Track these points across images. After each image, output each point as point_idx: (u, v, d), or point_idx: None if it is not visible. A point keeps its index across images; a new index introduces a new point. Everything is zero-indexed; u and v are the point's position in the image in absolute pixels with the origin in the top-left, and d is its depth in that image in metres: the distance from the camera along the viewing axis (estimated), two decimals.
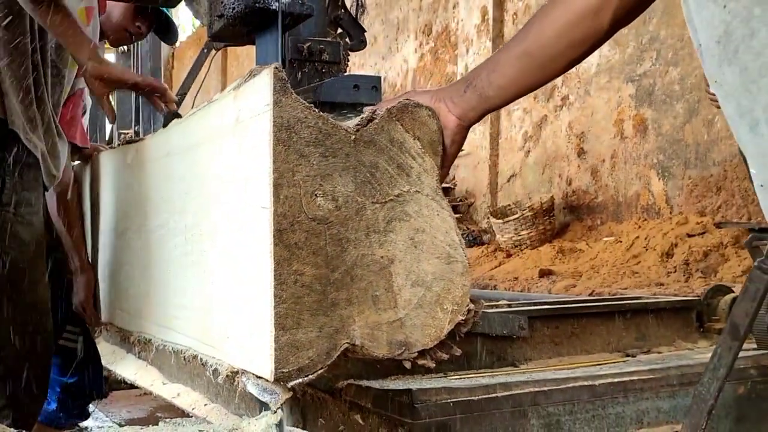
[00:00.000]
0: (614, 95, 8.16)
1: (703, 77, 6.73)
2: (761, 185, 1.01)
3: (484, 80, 1.70)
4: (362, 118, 1.68)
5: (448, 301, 1.73)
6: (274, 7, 1.72)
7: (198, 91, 4.44)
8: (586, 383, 2.32)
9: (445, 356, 1.77)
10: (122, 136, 4.04)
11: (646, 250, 7.64)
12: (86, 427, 5.43)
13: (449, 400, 2.16)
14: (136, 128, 3.71)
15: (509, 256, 8.78)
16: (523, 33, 1.66)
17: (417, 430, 2.09)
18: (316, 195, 1.61)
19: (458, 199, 9.72)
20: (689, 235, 7.47)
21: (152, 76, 3.71)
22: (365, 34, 2.77)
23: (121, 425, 5.45)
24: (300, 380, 1.58)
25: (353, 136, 1.65)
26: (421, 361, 1.73)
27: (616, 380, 2.35)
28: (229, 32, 1.84)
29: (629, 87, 8.03)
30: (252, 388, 1.64)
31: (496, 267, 8.75)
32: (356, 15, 2.82)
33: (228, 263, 1.79)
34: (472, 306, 1.76)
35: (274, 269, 1.56)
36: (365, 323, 1.67)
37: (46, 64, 2.47)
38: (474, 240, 9.30)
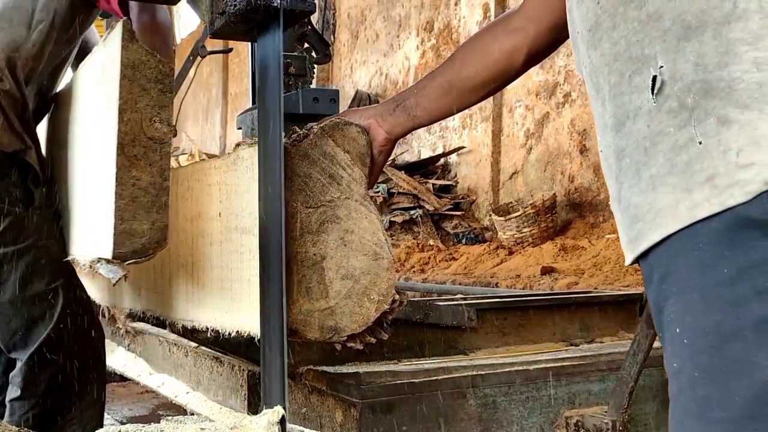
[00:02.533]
0: None
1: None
2: (601, 150, 1.26)
3: (412, 102, 2.04)
4: (298, 134, 2.03)
5: (375, 293, 2.07)
6: (275, 4, 1.76)
7: (184, 96, 4.76)
8: (521, 368, 2.64)
9: (373, 340, 2.10)
10: None
11: None
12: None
13: (393, 382, 2.48)
14: None
15: (511, 253, 8.93)
16: (448, 65, 2.00)
17: (364, 408, 2.41)
18: (153, 120, 2.12)
19: (460, 197, 9.94)
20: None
21: None
22: (329, 48, 3.11)
23: (122, 423, 5.72)
24: (135, 260, 2.11)
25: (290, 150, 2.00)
26: (350, 344, 2.07)
27: (550, 365, 2.67)
28: (230, 29, 1.90)
29: None
30: (102, 270, 2.16)
31: (498, 265, 8.91)
32: (322, 31, 3.16)
33: (93, 173, 2.28)
34: (397, 297, 2.09)
35: (116, 174, 2.07)
36: (299, 311, 2.01)
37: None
38: (475, 237, 9.53)
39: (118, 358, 4.24)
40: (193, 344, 3.33)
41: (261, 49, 1.88)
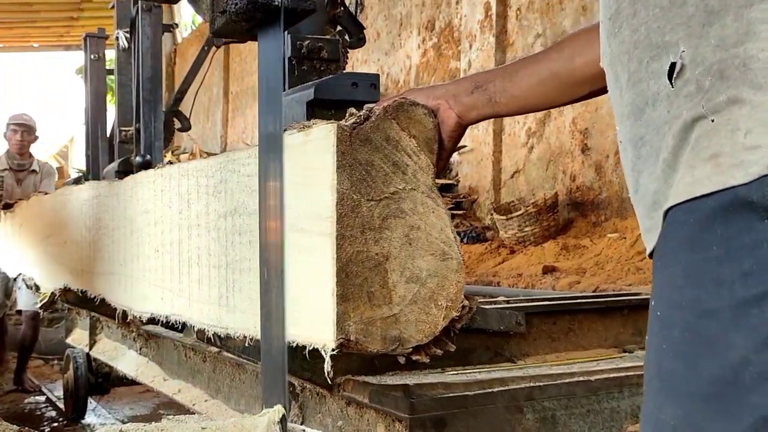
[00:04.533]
0: None
1: None
2: (620, 141, 1.19)
3: (497, 86, 1.74)
4: (359, 116, 1.72)
5: (443, 297, 1.77)
6: (276, 3, 1.72)
7: (198, 88, 4.48)
8: (582, 378, 2.35)
9: (439, 352, 1.81)
10: (123, 133, 4.09)
11: None
12: (89, 424, 5.46)
13: (445, 395, 2.19)
14: (137, 126, 3.74)
15: (513, 252, 8.75)
16: (554, 53, 1.70)
17: (413, 424, 2.12)
18: None
19: (461, 196, 9.72)
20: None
21: (152, 73, 3.74)
22: (364, 31, 2.81)
23: (123, 422, 5.48)
24: None
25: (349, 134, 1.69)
26: (415, 357, 1.77)
27: (611, 375, 2.38)
28: (231, 28, 1.82)
29: None
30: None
31: (499, 263, 8.73)
32: (355, 12, 2.86)
33: None
34: (466, 302, 1.80)
35: None
36: (359, 318, 1.71)
37: None
38: (477, 236, 9.30)
39: (129, 362, 3.94)
40: (214, 349, 3.03)
41: (262, 48, 1.80)
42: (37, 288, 4.24)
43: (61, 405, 6.35)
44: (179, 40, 15.94)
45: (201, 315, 2.29)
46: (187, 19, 15.84)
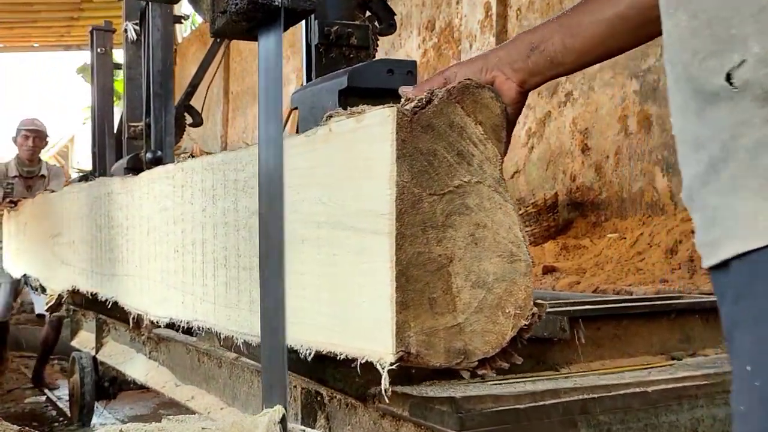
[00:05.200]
0: (618, 91, 7.96)
1: None
2: (675, 133, 1.04)
3: (557, 44, 1.49)
4: (420, 99, 1.48)
5: (511, 304, 1.53)
6: (276, 3, 1.65)
7: (211, 81, 4.26)
8: (638, 389, 2.11)
9: (506, 365, 1.57)
10: (132, 129, 3.83)
11: (651, 246, 7.45)
12: (89, 425, 5.26)
13: (496, 409, 1.95)
14: (147, 120, 3.49)
15: None
16: None
17: None
18: None
19: None
20: (693, 232, 7.28)
21: (163, 66, 3.49)
22: (395, 17, 2.57)
23: (123, 422, 5.28)
24: None
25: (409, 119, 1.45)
26: (481, 371, 1.53)
27: (669, 386, 2.14)
28: (232, 28, 1.75)
29: (633, 83, 7.83)
30: None
31: None
32: None
33: None
34: (535, 309, 1.56)
35: None
36: (421, 328, 1.46)
37: None
38: None
39: (138, 366, 3.68)
40: (232, 355, 2.78)
41: (262, 47, 1.73)
42: (43, 289, 3.98)
43: (61, 405, 6.23)
44: (179, 39, 15.64)
45: (228, 321, 2.04)
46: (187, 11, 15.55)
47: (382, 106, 1.50)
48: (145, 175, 2.58)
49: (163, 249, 2.39)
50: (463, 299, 1.49)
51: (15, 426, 2.80)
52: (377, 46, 2.59)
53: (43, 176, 6.84)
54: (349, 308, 1.57)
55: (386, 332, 1.46)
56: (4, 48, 13.87)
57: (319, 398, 2.50)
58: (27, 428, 2.81)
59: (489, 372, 1.53)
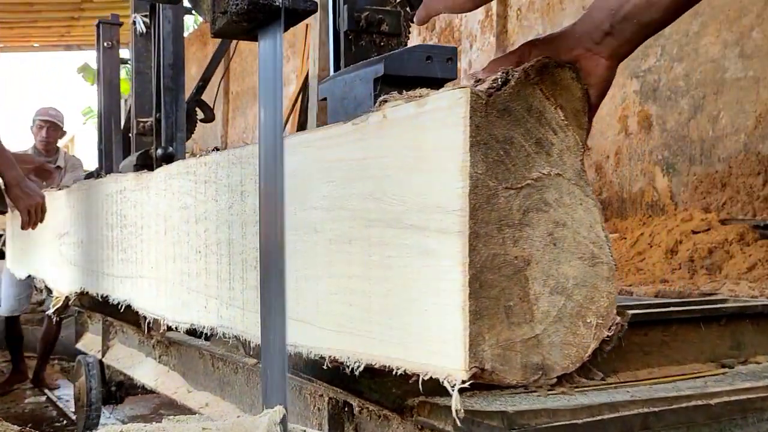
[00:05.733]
0: (618, 91, 7.76)
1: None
2: None
3: (640, 2, 1.28)
4: (494, 80, 1.26)
5: (592, 313, 1.32)
6: (277, 4, 1.60)
7: (223, 76, 4.05)
8: (700, 402, 1.90)
9: (585, 382, 1.36)
10: (141, 124, 3.61)
11: (651, 246, 7.27)
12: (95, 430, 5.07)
13: (552, 424, 1.73)
14: (157, 116, 3.26)
15: None
16: None
17: None
18: None
19: None
20: (694, 232, 7.10)
21: (174, 59, 3.26)
22: None
23: (124, 422, 5.09)
24: None
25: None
26: (559, 389, 1.32)
27: (731, 398, 1.93)
28: (232, 28, 1.70)
29: (634, 83, 7.64)
30: None
31: None
32: None
33: None
34: (618, 318, 1.35)
35: None
36: (496, 341, 1.25)
37: None
38: None
39: (147, 370, 3.45)
40: (251, 361, 2.56)
41: (262, 48, 1.69)
42: (49, 291, 3.74)
43: (61, 405, 6.11)
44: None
45: (258, 327, 1.83)
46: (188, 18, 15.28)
47: (450, 87, 1.28)
48: (162, 170, 2.36)
49: (182, 250, 2.17)
50: (541, 307, 1.28)
51: (15, 426, 2.65)
52: (409, 33, 2.38)
53: (59, 167, 6.51)
54: (408, 318, 1.35)
55: (457, 346, 1.24)
56: (4, 48, 13.59)
57: (347, 409, 2.29)
58: (27, 428, 2.64)
59: (569, 390, 1.32)
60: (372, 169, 1.44)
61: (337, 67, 2.38)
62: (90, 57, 16.93)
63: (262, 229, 1.65)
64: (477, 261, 1.23)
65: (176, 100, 3.28)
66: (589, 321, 1.32)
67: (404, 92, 1.43)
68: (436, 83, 2.07)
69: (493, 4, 8.97)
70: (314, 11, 1.70)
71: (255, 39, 1.72)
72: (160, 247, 2.33)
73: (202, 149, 11.46)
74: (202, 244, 2.05)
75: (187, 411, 3.10)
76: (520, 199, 1.27)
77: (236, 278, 1.89)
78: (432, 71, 2.05)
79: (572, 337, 1.30)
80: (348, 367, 1.50)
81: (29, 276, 4.23)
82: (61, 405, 6.14)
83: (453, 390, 1.25)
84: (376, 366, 1.44)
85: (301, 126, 9.95)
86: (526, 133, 1.27)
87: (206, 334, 2.22)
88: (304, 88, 10.31)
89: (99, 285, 2.89)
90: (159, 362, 3.47)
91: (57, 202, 3.54)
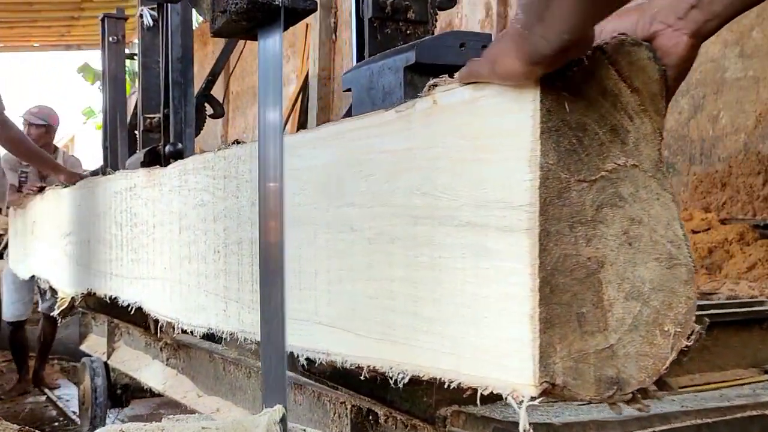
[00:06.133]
0: None
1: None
2: None
3: None
4: None
5: (670, 321, 1.16)
6: (277, 3, 1.57)
7: (232, 70, 3.90)
8: (755, 413, 1.75)
9: (660, 396, 1.20)
10: (148, 121, 3.44)
11: None
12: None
13: None
14: (165, 111, 3.09)
15: None
16: None
17: None
18: None
19: None
20: (694, 232, 6.98)
21: (183, 52, 3.09)
22: None
23: (124, 421, 4.94)
24: None
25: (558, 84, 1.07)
26: (634, 406, 1.16)
27: None
28: (232, 28, 1.67)
29: None
30: None
31: None
32: None
33: None
34: (696, 326, 1.19)
35: None
36: (568, 353, 1.09)
37: None
38: None
39: (154, 373, 3.28)
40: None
41: (262, 47, 1.67)
42: (53, 291, 3.56)
43: (61, 405, 5.98)
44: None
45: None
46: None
47: None
48: (177, 166, 2.19)
49: (199, 249, 2.00)
50: (615, 314, 1.12)
51: (15, 426, 2.56)
52: (436, 20, 2.22)
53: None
54: (462, 326, 1.19)
55: (525, 358, 1.08)
56: (4, 48, 13.38)
57: (371, 417, 2.13)
58: (27, 428, 2.57)
59: (643, 407, 1.16)
60: (419, 160, 1.28)
61: (360, 56, 2.23)
62: (90, 57, 16.73)
63: (261, 229, 1.61)
64: (548, 263, 1.07)
65: (185, 95, 3.12)
66: (666, 329, 1.16)
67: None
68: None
69: (494, 3, 8.82)
70: (314, 10, 1.66)
71: (255, 38, 1.70)
72: (174, 246, 2.16)
73: (203, 149, 11.28)
74: (221, 244, 1.88)
75: (186, 410, 3.00)
76: (593, 193, 1.11)
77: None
78: (466, 59, 1.88)
79: (648, 347, 1.14)
80: (391, 378, 1.34)
81: (32, 276, 4.05)
82: (61, 405, 6.02)
83: (520, 408, 1.09)
84: (424, 378, 1.28)
85: (301, 126, 9.78)
86: (601, 119, 1.11)
87: (217, 336, 2.07)
88: (304, 88, 10.18)
89: (107, 286, 2.72)
90: (167, 365, 3.30)
91: (61, 200, 3.36)
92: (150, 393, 3.62)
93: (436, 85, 1.27)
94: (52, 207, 3.46)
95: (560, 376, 1.08)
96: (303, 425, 2.40)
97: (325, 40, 9.82)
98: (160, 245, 2.25)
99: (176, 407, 3.29)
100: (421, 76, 1.87)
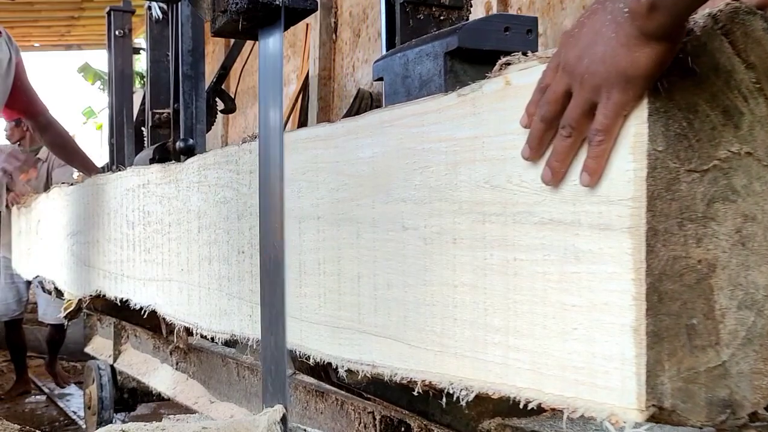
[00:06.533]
0: None
1: None
2: None
3: None
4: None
5: None
6: (277, 3, 1.53)
7: (243, 66, 3.73)
8: None
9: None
10: (157, 116, 3.25)
11: None
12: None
13: None
14: (176, 106, 2.90)
15: None
16: None
17: None
18: None
19: None
20: None
21: (194, 44, 2.90)
22: None
23: (124, 421, 4.77)
24: None
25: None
26: None
27: None
28: (232, 28, 1.61)
29: None
30: None
31: None
32: None
33: None
34: None
35: None
36: (677, 371, 0.91)
37: None
38: None
39: (163, 378, 3.09)
40: (310, 379, 2.23)
41: (262, 47, 1.63)
42: (58, 293, 3.36)
43: (62, 405, 5.82)
44: None
45: (320, 341, 1.48)
46: None
47: None
48: (195, 160, 2.00)
49: (221, 250, 1.81)
50: (727, 326, 0.95)
51: (15, 426, 2.55)
52: (471, 6, 2.04)
53: (39, 159, 5.89)
54: (546, 339, 1.01)
55: (627, 377, 0.90)
56: None
57: (403, 429, 1.96)
58: (27, 428, 2.56)
59: None
60: (488, 149, 1.10)
61: (390, 44, 2.04)
62: (90, 57, 16.51)
63: (262, 229, 1.56)
64: (655, 266, 0.89)
65: (196, 89, 2.93)
66: None
67: (532, 53, 1.09)
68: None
69: (494, 3, 8.65)
70: (314, 10, 1.62)
71: (255, 38, 1.66)
72: (192, 246, 1.98)
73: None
74: (247, 244, 1.70)
75: (186, 410, 2.86)
76: (704, 185, 0.93)
77: (291, 283, 1.55)
78: (511, 44, 1.71)
79: (763, 364, 0.97)
80: (453, 395, 1.16)
81: (36, 277, 3.84)
82: (61, 405, 5.85)
83: None
84: (494, 395, 1.10)
85: (302, 125, 9.59)
86: (712, 99, 0.94)
87: (230, 340, 1.90)
88: (305, 88, 9.99)
89: (117, 288, 2.53)
90: (176, 369, 3.11)
91: (67, 198, 3.16)
92: (158, 398, 3.43)
93: (508, 64, 1.08)
94: (59, 205, 3.26)
95: (669, 399, 0.90)
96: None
97: (326, 40, 9.62)
98: (177, 245, 2.06)
99: (177, 407, 3.14)
100: (462, 62, 1.70)
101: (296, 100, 9.89)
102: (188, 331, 2.04)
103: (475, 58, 1.69)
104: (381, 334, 1.31)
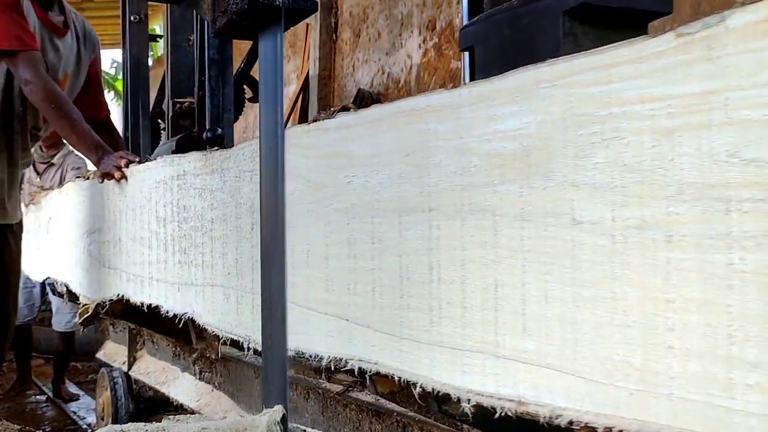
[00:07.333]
0: None
1: None
2: None
3: None
4: None
5: None
6: (277, 3, 1.42)
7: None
8: None
9: None
10: (177, 105, 2.87)
11: None
12: (90, 424, 4.45)
13: None
14: (200, 93, 2.54)
15: None
16: None
17: None
18: None
19: None
20: None
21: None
22: None
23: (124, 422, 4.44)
24: None
25: None
26: None
27: None
28: (232, 28, 1.53)
29: None
30: None
31: None
32: None
33: None
34: None
35: None
36: None
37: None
38: None
39: (185, 388, 2.72)
40: (335, 388, 1.88)
41: (262, 47, 1.52)
42: (71, 297, 2.97)
43: (62, 405, 5.57)
44: None
45: (434, 367, 1.12)
46: None
47: None
48: (249, 145, 1.63)
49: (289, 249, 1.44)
50: None
51: (15, 425, 2.35)
52: None
53: (53, 164, 5.54)
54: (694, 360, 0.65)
55: None
56: None
57: None
58: (27, 428, 2.36)
59: None
60: (734, 108, 0.73)
61: (473, 11, 1.69)
62: None
63: (262, 229, 1.45)
64: None
65: (223, 75, 2.56)
66: None
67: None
68: (647, 17, 1.39)
69: None
70: (314, 11, 1.54)
71: (255, 38, 1.59)
72: (242, 247, 1.60)
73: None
74: (322, 244, 1.33)
75: (186, 410, 2.65)
76: None
77: (384, 291, 1.18)
78: (642, 2, 1.37)
79: None
80: (543, 419, 0.80)
81: (47, 278, 3.44)
82: (61, 405, 5.58)
83: None
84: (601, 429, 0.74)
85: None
86: None
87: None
88: (305, 88, 9.66)
89: (145, 293, 2.14)
90: (200, 379, 2.74)
91: (84, 193, 2.76)
92: (178, 410, 3.06)
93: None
94: (73, 201, 2.86)
95: None
96: None
97: (326, 40, 9.32)
98: (222, 245, 1.69)
99: (176, 407, 2.89)
100: (582, 24, 1.35)
101: (296, 100, 9.60)
102: (218, 339, 1.68)
103: (599, 18, 1.34)
104: (533, 361, 0.95)
